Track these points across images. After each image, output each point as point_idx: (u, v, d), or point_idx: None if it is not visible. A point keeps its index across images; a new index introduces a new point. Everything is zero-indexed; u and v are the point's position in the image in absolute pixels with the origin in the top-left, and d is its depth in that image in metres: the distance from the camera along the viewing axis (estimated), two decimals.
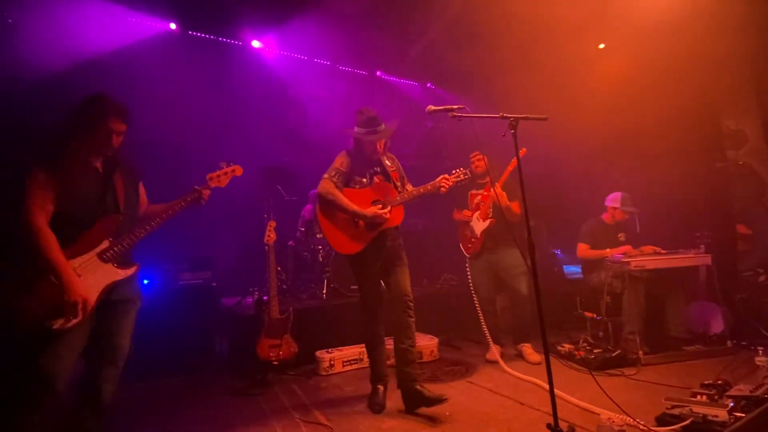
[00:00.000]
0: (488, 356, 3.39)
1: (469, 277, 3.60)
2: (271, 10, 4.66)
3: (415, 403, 2.45)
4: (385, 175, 2.71)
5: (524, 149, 3.36)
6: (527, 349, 3.39)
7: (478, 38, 4.94)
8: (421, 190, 2.63)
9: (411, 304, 2.58)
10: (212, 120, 4.83)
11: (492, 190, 3.32)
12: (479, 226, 3.49)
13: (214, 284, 3.80)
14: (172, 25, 4.76)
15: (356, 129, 2.67)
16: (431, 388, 2.46)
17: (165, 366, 3.32)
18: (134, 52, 4.37)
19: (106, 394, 1.82)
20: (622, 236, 3.74)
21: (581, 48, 4.78)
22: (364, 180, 2.67)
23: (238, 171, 2.22)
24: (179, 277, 3.73)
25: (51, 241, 1.66)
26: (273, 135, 5.32)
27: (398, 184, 2.70)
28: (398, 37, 5.32)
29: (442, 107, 2.27)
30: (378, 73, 6.24)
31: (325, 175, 2.61)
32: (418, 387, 2.44)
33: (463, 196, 3.60)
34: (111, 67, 4.07)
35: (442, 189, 2.62)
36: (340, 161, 2.65)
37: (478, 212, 3.52)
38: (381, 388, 2.65)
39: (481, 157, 3.49)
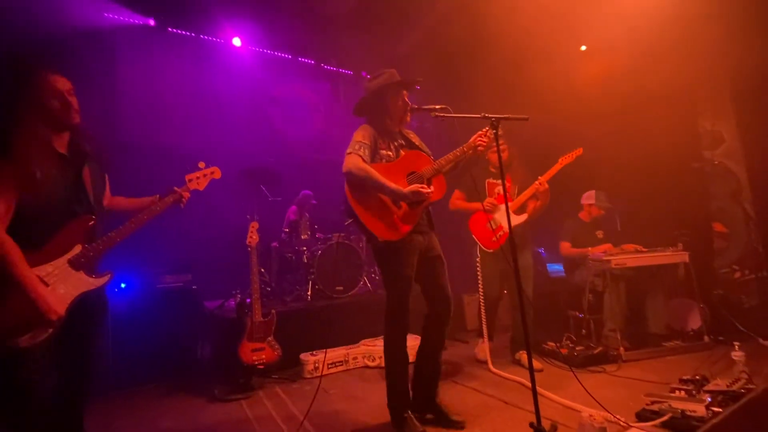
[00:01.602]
0: (479, 355, 3.31)
1: (479, 270, 3.29)
2: (252, 7, 4.60)
3: (430, 411, 2.31)
4: (412, 147, 2.37)
5: (581, 148, 3.31)
6: (526, 357, 3.11)
7: (463, 39, 4.97)
8: (457, 152, 2.26)
9: (451, 314, 2.32)
10: (194, 119, 4.74)
11: (541, 184, 3.15)
12: (511, 219, 3.26)
13: (195, 287, 3.72)
14: (151, 21, 4.66)
15: (378, 86, 2.28)
16: None
17: (145, 371, 3.24)
18: (112, 48, 4.26)
19: (80, 404, 1.72)
20: (600, 233, 3.83)
21: (563, 49, 4.84)
22: (390, 153, 2.29)
23: (217, 174, 2.09)
24: (159, 279, 3.65)
25: (12, 252, 1.44)
26: (256, 134, 5.25)
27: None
28: (384, 37, 5.30)
29: (424, 107, 2.26)
30: (363, 73, 6.22)
31: (349, 150, 2.18)
32: (438, 401, 2.31)
33: (477, 183, 3.29)
34: (87, 63, 3.95)
35: (480, 147, 2.28)
36: (362, 134, 2.24)
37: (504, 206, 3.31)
38: (412, 415, 2.19)
39: (506, 147, 3.25)
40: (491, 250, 3.22)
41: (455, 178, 2.55)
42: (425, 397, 2.32)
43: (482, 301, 3.29)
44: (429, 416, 2.31)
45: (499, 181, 3.32)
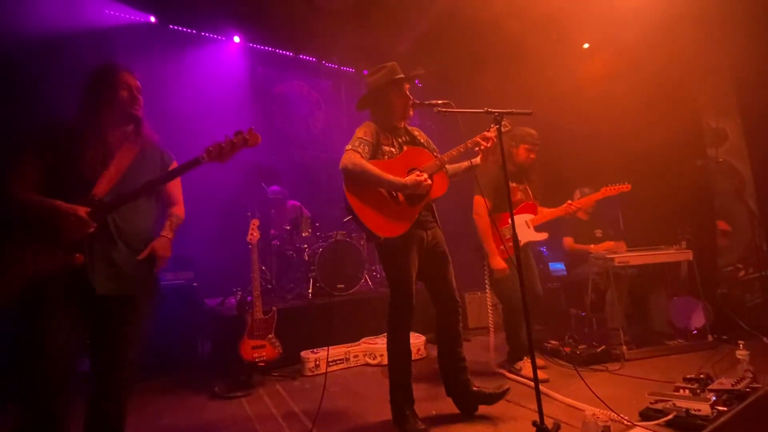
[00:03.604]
0: (523, 371, 2.89)
1: (486, 273, 3.02)
2: (254, 4, 4.58)
3: (475, 405, 2.31)
4: (416, 144, 2.36)
5: (629, 185, 3.21)
6: (528, 365, 2.85)
7: (464, 35, 4.94)
8: (461, 148, 2.22)
9: (460, 309, 2.32)
10: (194, 116, 4.72)
11: (573, 205, 3.10)
12: (526, 233, 2.99)
13: (196, 284, 3.71)
14: (152, 18, 4.64)
15: (380, 82, 2.25)
16: (418, 388, 2.42)
17: (145, 368, 3.20)
18: (112, 44, 4.25)
19: (114, 397, 1.63)
20: (599, 232, 3.83)
21: (566, 47, 4.82)
22: (393, 150, 2.25)
23: (252, 140, 1.83)
24: (160, 277, 3.63)
25: (38, 197, 1.53)
26: (257, 131, 5.23)
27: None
28: (385, 34, 5.27)
29: (426, 102, 2.24)
30: (365, 72, 6.20)
31: (348, 147, 2.16)
32: (475, 389, 2.29)
33: (497, 186, 2.99)
34: (87, 60, 3.93)
35: (483, 145, 2.20)
36: (363, 131, 2.22)
37: (530, 217, 3.05)
38: (414, 412, 2.19)
39: (530, 149, 3.05)
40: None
41: (465, 180, 2.50)
42: (458, 391, 2.31)
43: (490, 306, 3.14)
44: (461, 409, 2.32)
45: (518, 185, 3.12)
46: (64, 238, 1.53)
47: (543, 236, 3.06)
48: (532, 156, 3.08)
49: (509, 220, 2.90)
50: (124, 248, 1.64)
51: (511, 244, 2.72)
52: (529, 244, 3.06)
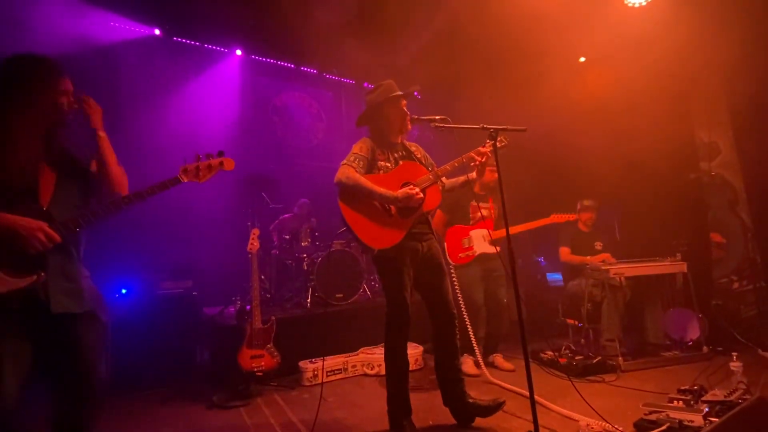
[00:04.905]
0: (469, 369, 3.21)
1: (455, 282, 3.27)
2: (256, 17, 4.67)
3: (471, 416, 2.32)
4: (411, 159, 2.42)
5: (575, 216, 3.66)
6: (499, 359, 3.41)
7: (464, 51, 5.04)
8: (455, 163, 2.32)
9: (456, 321, 2.35)
10: (196, 126, 4.79)
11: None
12: (482, 245, 3.33)
13: (195, 293, 3.73)
14: (156, 31, 4.74)
15: (377, 100, 2.34)
16: (416, 398, 2.44)
17: (144, 377, 3.24)
18: (116, 57, 4.33)
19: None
20: (598, 245, 3.85)
21: (563, 60, 4.91)
22: (389, 165, 2.33)
23: (228, 165, 1.75)
24: (160, 285, 3.66)
25: None
26: (259, 142, 5.31)
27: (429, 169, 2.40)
28: (385, 47, 5.37)
29: (425, 117, 2.30)
30: (366, 84, 6.29)
31: (344, 162, 2.25)
32: (470, 400, 2.31)
33: (461, 205, 3.41)
34: (92, 72, 4.01)
35: (478, 160, 2.31)
36: (359, 146, 2.31)
37: (485, 232, 3.34)
38: (411, 422, 2.24)
39: (494, 169, 3.37)
40: (454, 263, 3.35)
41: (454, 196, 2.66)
42: (455, 401, 2.34)
43: (465, 314, 3.26)
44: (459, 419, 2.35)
45: (482, 204, 3.41)
46: (18, 254, 1.35)
47: (497, 250, 3.26)
48: (494, 176, 3.28)
49: (470, 233, 3.38)
50: (76, 260, 1.52)
51: (469, 252, 3.35)
52: (486, 255, 3.33)
